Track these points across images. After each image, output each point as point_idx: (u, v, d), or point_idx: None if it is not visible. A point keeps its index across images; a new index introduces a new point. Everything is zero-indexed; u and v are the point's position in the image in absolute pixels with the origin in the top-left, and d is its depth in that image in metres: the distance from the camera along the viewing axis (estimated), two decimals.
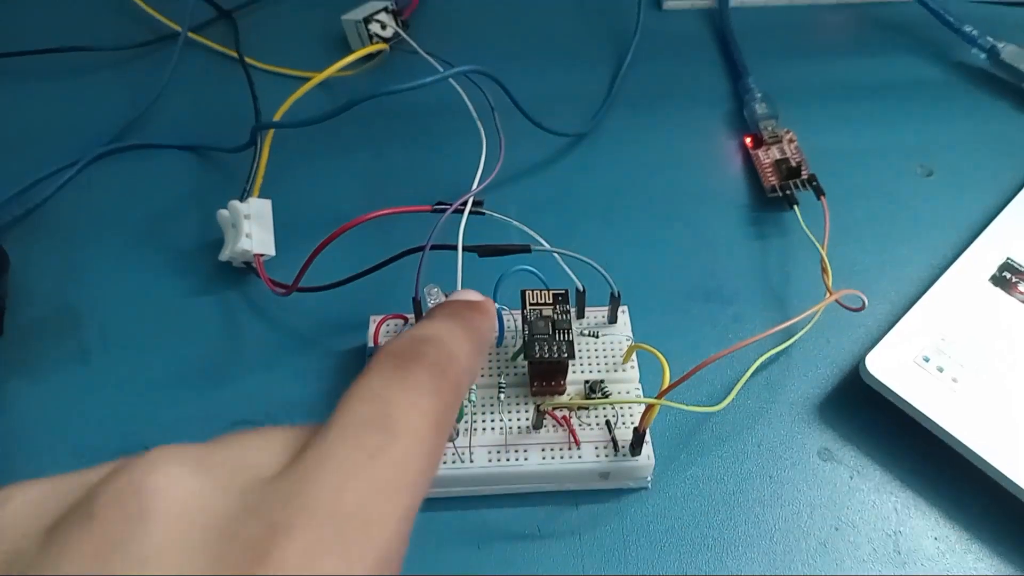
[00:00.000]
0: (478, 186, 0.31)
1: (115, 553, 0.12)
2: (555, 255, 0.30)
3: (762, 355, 0.31)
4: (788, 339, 0.32)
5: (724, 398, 0.28)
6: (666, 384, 0.25)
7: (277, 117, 0.35)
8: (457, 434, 0.27)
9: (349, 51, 0.41)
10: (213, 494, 0.13)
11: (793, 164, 0.37)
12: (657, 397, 0.25)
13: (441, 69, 0.34)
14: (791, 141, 0.38)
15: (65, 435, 0.30)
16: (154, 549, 0.12)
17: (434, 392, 0.16)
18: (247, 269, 0.34)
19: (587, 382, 0.29)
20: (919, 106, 0.42)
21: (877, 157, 0.40)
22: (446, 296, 0.29)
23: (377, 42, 0.41)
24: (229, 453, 0.14)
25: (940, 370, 0.30)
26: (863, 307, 0.30)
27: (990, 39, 0.43)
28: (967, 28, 0.44)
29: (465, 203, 0.30)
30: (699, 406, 0.28)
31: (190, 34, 0.43)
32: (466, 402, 0.28)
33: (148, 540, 0.12)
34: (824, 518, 0.29)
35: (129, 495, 0.12)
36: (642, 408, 0.27)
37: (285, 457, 0.14)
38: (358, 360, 0.32)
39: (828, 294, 0.31)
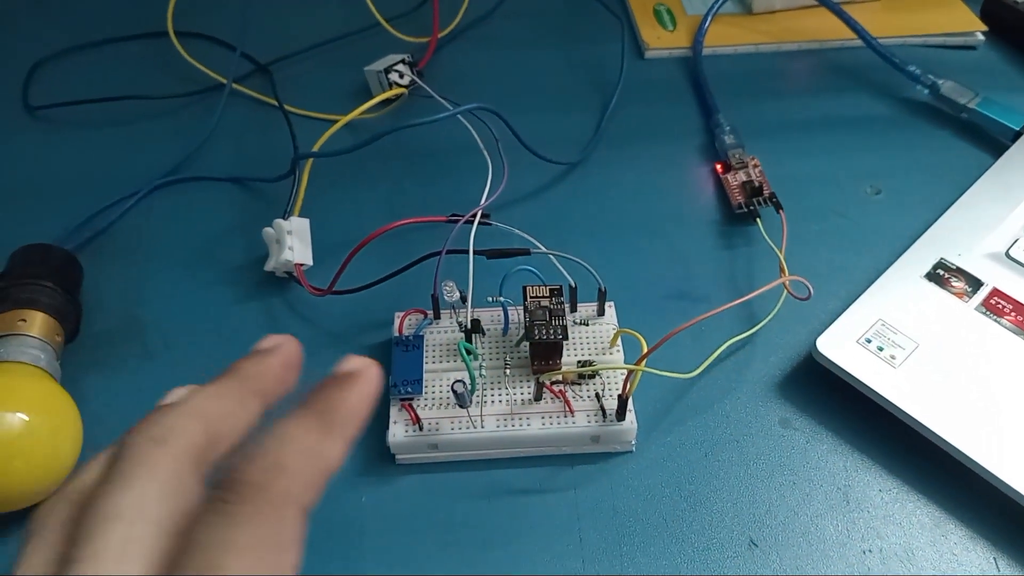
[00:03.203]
0: (485, 201, 0.37)
1: None
2: (551, 257, 0.35)
3: (729, 339, 0.36)
4: (752, 327, 0.37)
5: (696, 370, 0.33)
6: (644, 351, 0.31)
7: (315, 148, 0.41)
8: (471, 404, 0.33)
9: (371, 97, 0.48)
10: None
11: (756, 184, 0.43)
12: (636, 363, 0.31)
13: (452, 108, 0.40)
14: (756, 166, 0.44)
15: (133, 422, 0.35)
16: None
17: (250, 518, 0.16)
18: (288, 278, 0.40)
19: (579, 362, 0.34)
20: (869, 136, 0.48)
21: (831, 180, 0.45)
22: (458, 290, 0.34)
23: (396, 88, 0.48)
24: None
25: (880, 349, 0.35)
26: (810, 295, 0.35)
27: (932, 77, 0.49)
28: (912, 68, 0.50)
29: (475, 215, 0.36)
30: (674, 372, 0.33)
31: (234, 85, 0.49)
32: (478, 376, 0.34)
33: None
34: (783, 476, 0.33)
35: None
36: (625, 377, 0.32)
37: None
38: (385, 352, 0.37)
39: (783, 279, 0.36)
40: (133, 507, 0.17)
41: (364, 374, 0.20)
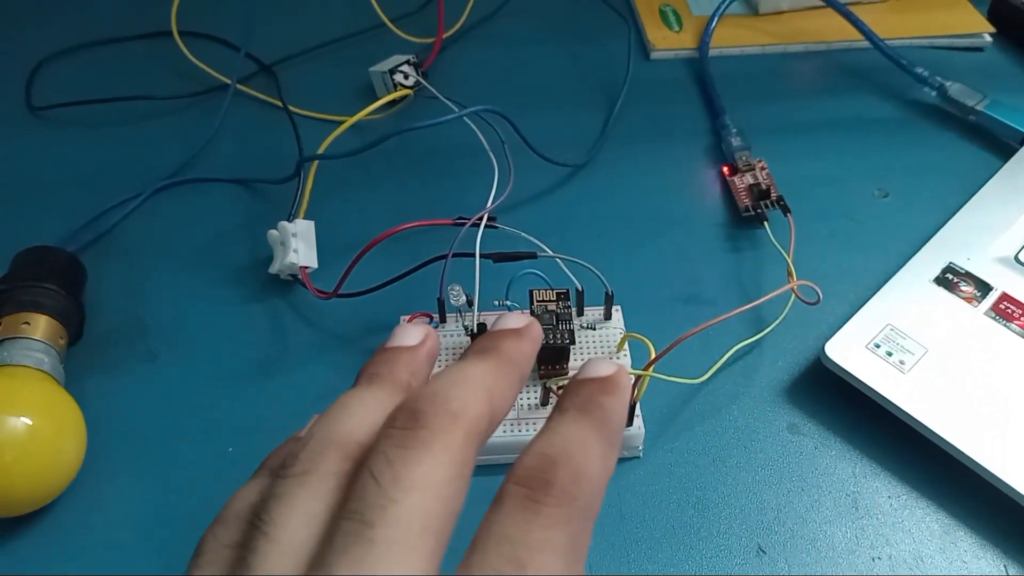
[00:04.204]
0: (492, 204, 0.37)
1: None
2: (557, 260, 0.35)
3: (737, 344, 0.36)
4: (760, 332, 0.37)
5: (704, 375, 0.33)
6: (652, 356, 0.30)
7: (320, 151, 0.41)
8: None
9: (376, 98, 0.47)
10: None
11: (763, 187, 0.42)
12: (644, 369, 0.30)
13: (458, 110, 0.40)
14: (763, 169, 0.44)
15: (136, 425, 0.35)
16: None
17: (564, 523, 0.17)
18: (293, 280, 0.39)
19: None
20: (877, 138, 0.48)
21: (839, 182, 0.45)
22: (464, 294, 0.34)
23: (401, 89, 0.47)
24: None
25: (889, 354, 0.35)
26: (818, 300, 0.35)
27: (939, 78, 0.49)
28: (919, 70, 0.50)
29: (481, 218, 0.36)
30: (682, 377, 0.33)
31: (238, 86, 0.49)
32: None
33: None
34: (792, 482, 0.33)
35: None
36: (632, 382, 0.32)
37: None
38: None
39: (791, 284, 0.36)
40: (427, 479, 0.17)
41: (623, 383, 0.21)
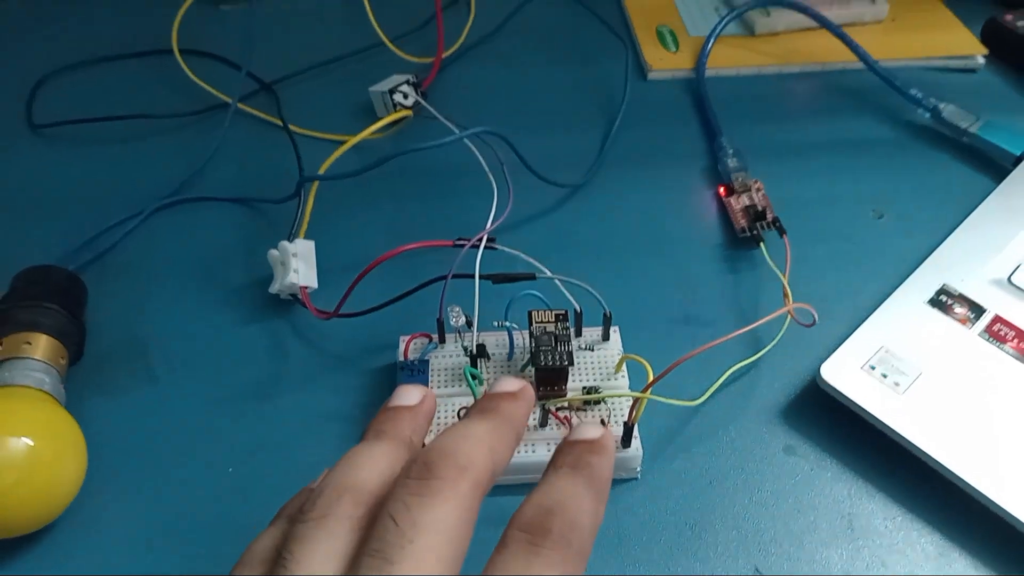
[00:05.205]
0: (491, 225, 0.37)
1: None
2: (556, 281, 0.35)
3: (733, 366, 0.36)
4: (756, 353, 0.37)
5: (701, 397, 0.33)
6: (650, 379, 0.31)
7: (321, 171, 0.41)
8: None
9: (376, 118, 0.48)
10: None
11: (759, 208, 0.43)
12: (643, 391, 0.31)
13: (458, 131, 0.40)
14: (759, 190, 0.45)
15: (136, 444, 0.35)
16: None
17: (560, 563, 0.19)
18: (293, 300, 0.40)
19: (585, 388, 0.35)
20: (873, 159, 0.48)
21: (834, 203, 0.46)
22: (464, 315, 0.34)
23: (401, 109, 0.48)
24: None
25: (884, 376, 0.35)
26: (814, 322, 0.35)
27: (933, 100, 0.50)
28: (913, 91, 0.50)
29: (481, 239, 0.36)
30: (680, 399, 0.33)
31: (239, 104, 0.49)
32: None
33: None
34: (788, 503, 0.33)
35: None
36: (631, 404, 0.32)
37: None
38: (390, 376, 0.37)
39: (786, 305, 0.36)
40: (439, 523, 0.19)
41: (608, 446, 0.23)
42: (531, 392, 0.25)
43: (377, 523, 0.19)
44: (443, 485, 0.20)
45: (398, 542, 0.18)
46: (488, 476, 0.21)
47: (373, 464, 0.21)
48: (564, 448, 0.23)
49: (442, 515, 0.19)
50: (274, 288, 0.39)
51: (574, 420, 0.33)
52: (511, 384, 0.25)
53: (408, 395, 0.25)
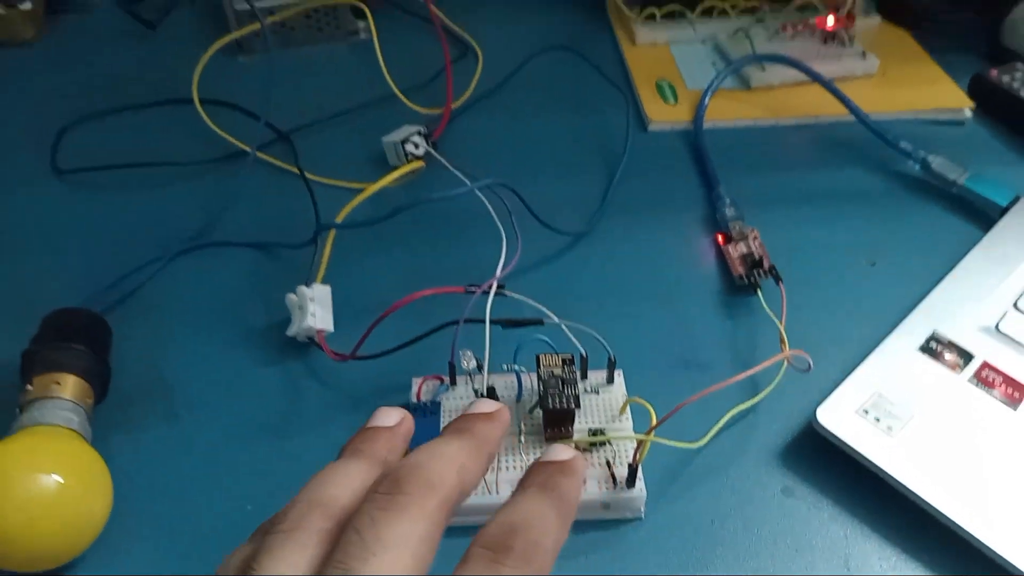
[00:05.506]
0: (501, 273, 0.39)
1: None
2: (563, 327, 0.37)
3: (732, 409, 0.37)
4: (754, 396, 0.39)
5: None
6: (653, 421, 0.32)
7: (339, 220, 0.43)
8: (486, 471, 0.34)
9: (388, 166, 0.50)
10: None
11: (756, 257, 0.45)
12: (646, 434, 0.32)
13: (468, 182, 0.42)
14: (755, 238, 0.46)
15: (158, 482, 0.37)
16: None
17: None
18: (309, 343, 0.41)
19: (591, 430, 0.36)
20: (865, 208, 0.50)
21: (829, 251, 0.47)
22: (475, 359, 0.36)
23: (413, 160, 0.50)
24: None
25: (878, 420, 0.37)
26: (809, 368, 0.37)
27: (922, 152, 0.52)
28: (903, 144, 0.52)
29: (491, 286, 0.38)
30: (681, 441, 0.34)
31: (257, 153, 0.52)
32: None
33: None
34: (786, 544, 0.35)
35: None
36: (635, 446, 0.34)
37: None
38: None
39: (783, 351, 0.38)
40: (403, 538, 0.19)
41: (579, 468, 0.24)
42: (507, 415, 0.25)
43: (343, 536, 0.19)
44: (410, 501, 0.20)
45: (361, 555, 0.19)
46: (456, 494, 0.21)
47: (347, 481, 0.22)
48: (534, 469, 0.23)
49: (407, 530, 0.19)
50: (292, 331, 0.41)
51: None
52: (487, 406, 0.25)
53: (386, 416, 0.25)
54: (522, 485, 0.23)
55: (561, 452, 0.24)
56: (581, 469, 0.24)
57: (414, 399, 0.37)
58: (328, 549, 0.20)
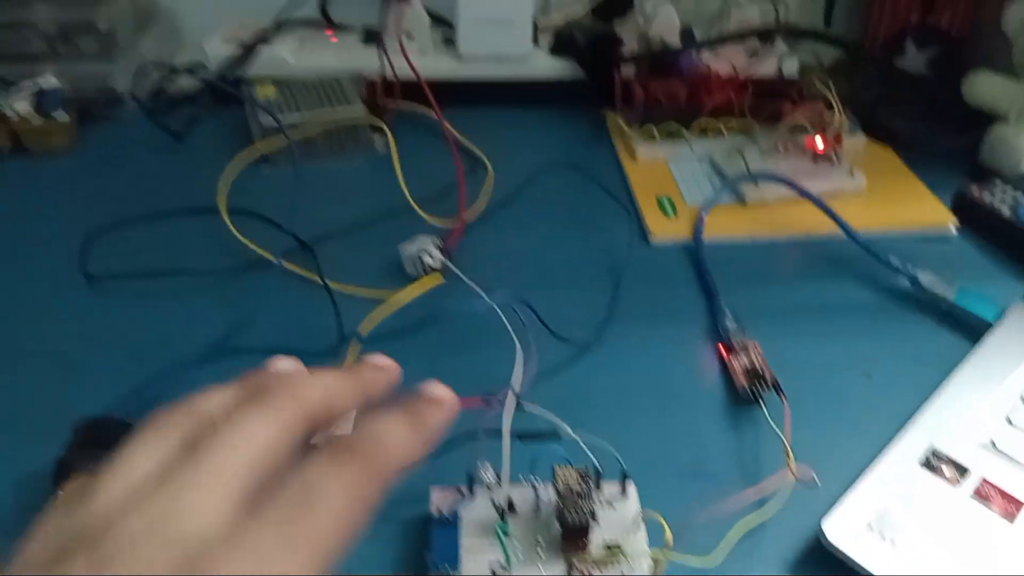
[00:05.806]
0: (519, 388, 0.40)
1: None
2: (577, 439, 0.38)
3: (739, 520, 0.39)
4: (762, 507, 0.40)
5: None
6: (667, 535, 0.33)
7: (362, 332, 0.45)
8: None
9: (405, 274, 0.52)
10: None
11: (759, 370, 0.47)
12: (662, 551, 0.33)
13: (484, 295, 0.45)
14: (756, 350, 0.49)
15: None
16: None
17: (352, 471, 0.21)
18: None
19: (607, 545, 0.37)
20: (859, 322, 0.53)
21: (826, 363, 0.49)
22: (493, 471, 0.37)
23: (432, 272, 0.52)
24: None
25: (882, 535, 0.38)
26: (815, 484, 0.39)
27: (911, 267, 0.55)
28: (893, 260, 0.55)
29: (508, 398, 0.39)
30: (697, 557, 0.35)
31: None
32: (513, 558, 0.36)
33: None
34: None
35: None
36: (650, 563, 0.35)
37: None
38: (419, 527, 0.39)
39: (789, 468, 0.39)
40: (251, 433, 0.21)
41: (447, 402, 0.26)
42: (396, 371, 0.27)
43: (212, 445, 0.21)
44: (269, 404, 0.22)
45: (208, 434, 0.21)
46: (320, 412, 0.23)
47: (220, 397, 0.23)
48: (407, 399, 0.25)
49: (258, 428, 0.21)
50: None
51: (595, 572, 0.36)
52: (384, 360, 0.27)
53: (280, 364, 0.26)
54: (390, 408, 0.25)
55: (437, 389, 0.26)
56: (452, 408, 0.26)
57: (434, 512, 0.38)
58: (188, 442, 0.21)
